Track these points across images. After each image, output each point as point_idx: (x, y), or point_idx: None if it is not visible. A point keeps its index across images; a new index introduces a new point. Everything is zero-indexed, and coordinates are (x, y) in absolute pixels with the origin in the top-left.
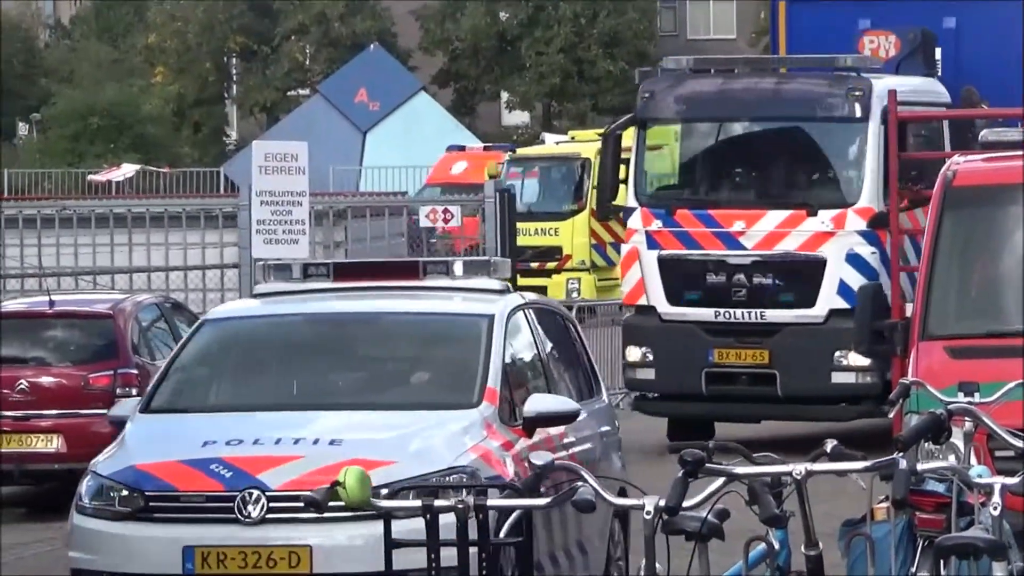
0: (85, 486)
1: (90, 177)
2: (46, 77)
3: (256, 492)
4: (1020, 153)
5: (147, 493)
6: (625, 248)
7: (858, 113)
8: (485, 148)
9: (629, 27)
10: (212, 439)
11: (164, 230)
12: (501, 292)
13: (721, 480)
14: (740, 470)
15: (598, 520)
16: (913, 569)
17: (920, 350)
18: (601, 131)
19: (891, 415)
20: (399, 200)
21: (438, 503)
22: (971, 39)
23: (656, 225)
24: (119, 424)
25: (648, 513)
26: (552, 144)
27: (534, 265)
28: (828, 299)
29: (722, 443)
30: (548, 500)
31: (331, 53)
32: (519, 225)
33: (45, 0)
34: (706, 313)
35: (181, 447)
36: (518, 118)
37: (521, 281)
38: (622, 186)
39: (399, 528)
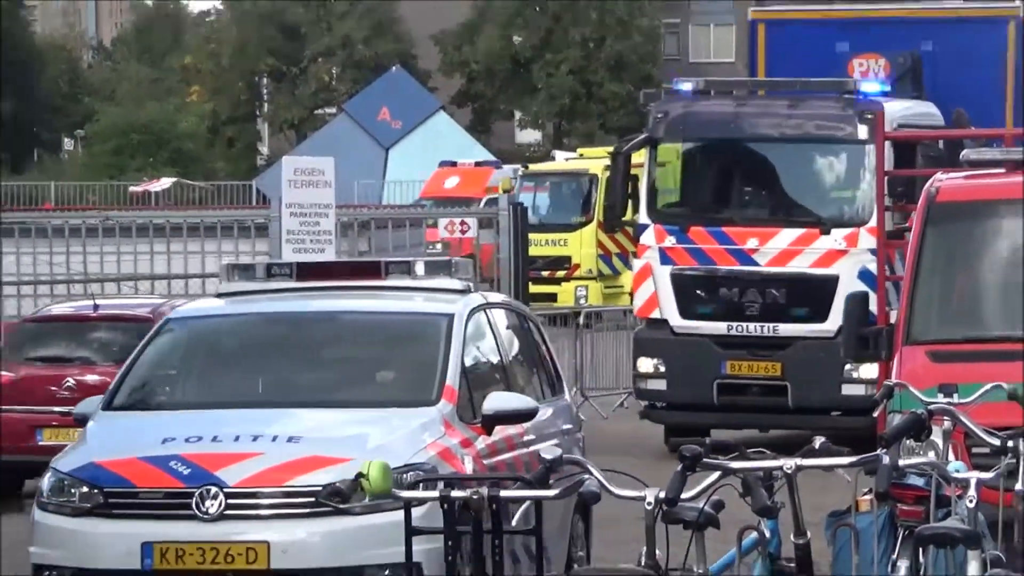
0: (46, 482)
1: (130, 189)
2: (89, 96)
3: (214, 488)
4: (999, 171)
5: (106, 489)
6: (637, 264)
7: (868, 135)
8: (476, 164)
9: (635, 51)
10: (172, 436)
11: (200, 239)
12: (462, 292)
13: (717, 474)
14: (735, 465)
15: (556, 517)
16: (894, 557)
17: (903, 354)
18: (610, 149)
19: (875, 414)
20: (419, 212)
21: (455, 494)
22: (947, 62)
23: (669, 242)
24: (83, 421)
25: (649, 504)
26: (562, 160)
27: (545, 273)
28: (840, 314)
29: (718, 441)
30: (557, 491)
31: (356, 74)
32: (531, 236)
33: (87, 23)
34: (719, 327)
35: (141, 444)
36: (530, 136)
37: (532, 288)
38: (630, 201)
39: (361, 523)
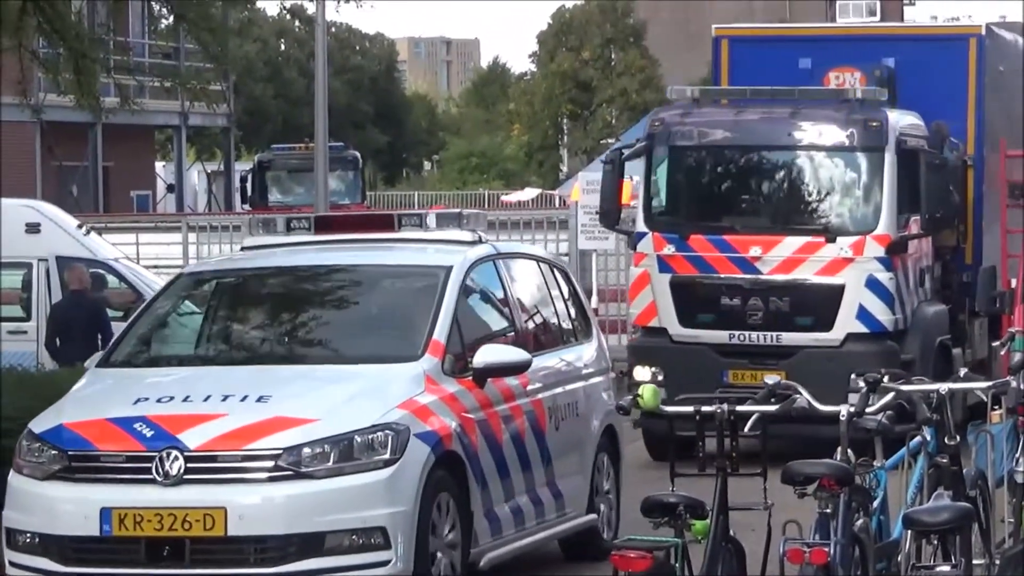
0: (20, 444)
1: (503, 198)
2: (442, 131)
3: (175, 452)
4: None
5: (69, 452)
6: (634, 272)
7: (876, 143)
8: None
9: None
10: (145, 396)
11: (520, 231)
12: (472, 243)
13: (891, 394)
14: (903, 387)
15: (574, 459)
16: (1017, 455)
17: (1022, 309)
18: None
19: (1003, 353)
20: None
21: (704, 408)
22: (909, 77)
23: (668, 250)
24: None
25: (843, 416)
26: None
27: None
28: (846, 323)
29: (892, 371)
30: (777, 407)
31: (630, 115)
32: None
33: (441, 82)
34: (720, 335)
35: (114, 404)
36: None
37: None
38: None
39: (323, 487)
